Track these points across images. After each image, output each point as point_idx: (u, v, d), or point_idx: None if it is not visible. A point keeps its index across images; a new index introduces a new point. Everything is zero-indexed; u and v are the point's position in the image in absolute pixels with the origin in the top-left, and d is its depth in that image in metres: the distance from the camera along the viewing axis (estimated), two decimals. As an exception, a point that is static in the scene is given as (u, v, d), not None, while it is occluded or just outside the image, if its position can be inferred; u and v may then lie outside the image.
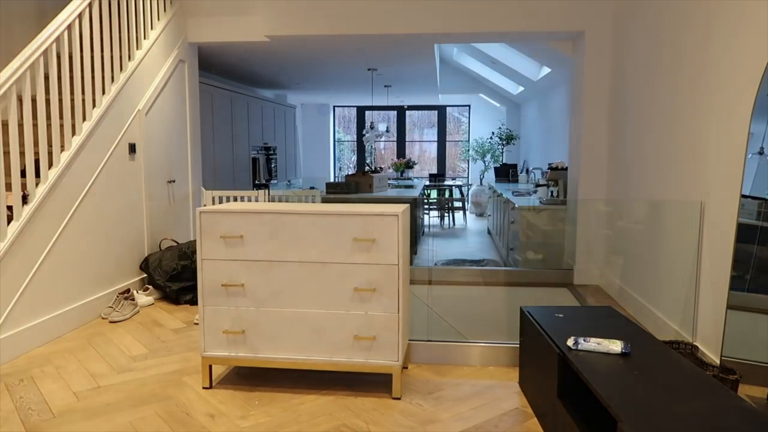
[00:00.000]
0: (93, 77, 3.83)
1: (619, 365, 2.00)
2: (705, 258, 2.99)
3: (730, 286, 2.66)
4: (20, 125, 3.28)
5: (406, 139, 13.27)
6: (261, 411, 2.47)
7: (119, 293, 3.92)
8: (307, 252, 2.58)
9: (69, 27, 3.59)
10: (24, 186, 3.24)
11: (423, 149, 13.42)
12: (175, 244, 4.59)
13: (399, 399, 2.58)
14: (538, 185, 6.41)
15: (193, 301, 4.12)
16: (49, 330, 3.33)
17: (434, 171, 12.35)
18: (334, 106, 13.36)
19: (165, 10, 4.79)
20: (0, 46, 4.56)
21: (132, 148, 4.25)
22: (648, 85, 3.80)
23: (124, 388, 2.71)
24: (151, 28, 4.59)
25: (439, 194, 9.98)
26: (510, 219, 5.90)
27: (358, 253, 2.55)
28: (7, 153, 3.78)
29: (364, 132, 11.37)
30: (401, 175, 9.87)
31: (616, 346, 2.10)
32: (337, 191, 6.34)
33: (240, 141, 8.10)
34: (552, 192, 5.59)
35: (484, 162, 11.77)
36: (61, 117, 3.55)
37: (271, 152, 9.39)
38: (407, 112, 13.19)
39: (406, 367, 2.93)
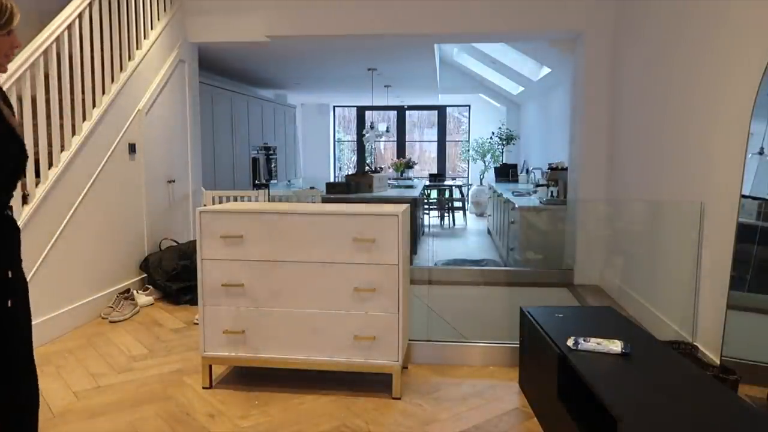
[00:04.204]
0: (93, 77, 3.83)
1: (619, 365, 2.00)
2: (705, 258, 2.98)
3: (730, 286, 2.65)
4: (20, 125, 3.27)
5: (406, 139, 13.27)
6: (261, 411, 2.47)
7: (119, 293, 3.92)
8: (307, 252, 2.58)
9: (69, 27, 3.58)
10: (24, 186, 3.24)
11: (423, 149, 13.42)
12: (175, 244, 4.59)
13: (399, 399, 2.58)
14: (538, 185, 6.41)
15: (193, 301, 4.12)
16: (49, 330, 3.33)
17: (434, 171, 12.34)
18: (334, 106, 13.36)
19: (165, 10, 4.79)
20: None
21: (132, 148, 4.25)
22: (648, 85, 3.80)
23: (124, 388, 2.71)
24: (151, 28, 4.59)
25: (439, 194, 9.98)
26: (510, 219, 5.90)
27: (358, 253, 2.55)
28: (7, 153, 3.77)
29: (364, 132, 11.37)
30: (401, 175, 9.86)
31: (616, 346, 2.10)
32: (337, 191, 6.34)
33: (240, 141, 8.10)
34: (552, 192, 5.58)
35: (484, 162, 11.77)
36: (61, 117, 3.54)
37: (271, 152, 9.38)
38: (407, 112, 13.19)
39: (406, 367, 2.93)
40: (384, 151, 13.58)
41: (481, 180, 11.66)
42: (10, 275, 1.60)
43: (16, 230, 1.65)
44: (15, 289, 1.62)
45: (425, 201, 9.39)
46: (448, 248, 7.39)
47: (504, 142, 11.25)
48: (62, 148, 3.54)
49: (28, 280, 1.72)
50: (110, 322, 3.71)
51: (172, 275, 4.19)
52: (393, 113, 13.18)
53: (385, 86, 9.73)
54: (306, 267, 2.59)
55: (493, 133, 11.63)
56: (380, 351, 2.58)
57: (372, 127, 10.63)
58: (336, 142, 13.51)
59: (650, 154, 3.73)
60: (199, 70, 5.61)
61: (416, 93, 10.96)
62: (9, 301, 1.59)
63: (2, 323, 1.59)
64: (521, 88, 9.47)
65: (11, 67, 3.09)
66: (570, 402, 2.05)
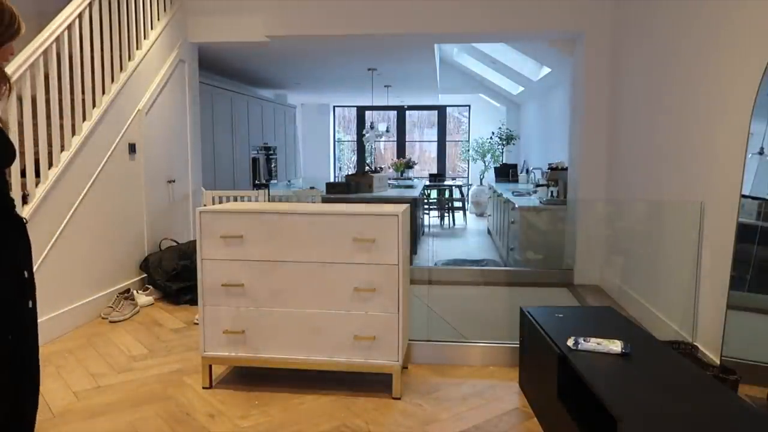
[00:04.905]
0: (93, 77, 3.83)
1: (619, 365, 2.00)
2: (705, 258, 2.98)
3: (730, 286, 2.65)
4: (20, 125, 3.28)
5: (406, 139, 13.26)
6: (261, 411, 2.47)
7: (119, 293, 3.92)
8: (307, 252, 2.58)
9: (69, 27, 3.59)
10: (24, 186, 3.24)
11: (423, 149, 13.42)
12: (175, 244, 4.59)
13: (399, 399, 2.58)
14: (538, 185, 6.41)
15: (193, 301, 4.12)
16: (49, 330, 3.33)
17: (434, 171, 12.34)
18: (334, 106, 13.36)
19: (165, 10, 4.79)
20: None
21: (132, 148, 4.25)
22: (648, 86, 3.80)
23: (124, 388, 2.71)
24: (151, 28, 4.59)
25: (439, 194, 9.98)
26: (510, 219, 5.90)
27: (358, 253, 2.55)
28: (7, 153, 3.77)
29: (364, 132, 11.37)
30: (401, 175, 9.86)
31: (616, 346, 2.10)
32: (337, 191, 6.34)
33: (240, 141, 8.10)
34: (552, 192, 5.58)
35: (484, 162, 11.76)
36: (61, 117, 3.54)
37: (271, 152, 9.38)
38: (407, 112, 13.19)
39: (406, 367, 2.93)
40: (384, 151, 13.58)
41: (481, 180, 11.66)
42: (26, 275, 1.63)
43: (26, 232, 1.68)
44: (32, 290, 1.66)
45: (425, 201, 9.39)
46: (448, 248, 7.39)
47: (504, 142, 11.25)
48: (62, 148, 3.54)
49: None
50: (110, 322, 3.71)
51: (172, 275, 4.19)
52: (393, 113, 13.18)
53: (385, 86, 9.72)
54: (306, 267, 2.59)
55: (493, 133, 11.63)
56: (380, 351, 2.58)
57: (372, 127, 10.63)
58: (336, 142, 13.51)
59: (650, 154, 3.73)
60: (199, 70, 5.61)
61: (416, 93, 10.96)
62: (30, 302, 1.62)
63: (23, 323, 1.61)
64: (521, 88, 9.47)
65: (11, 67, 3.09)
66: (570, 402, 2.05)
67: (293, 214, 2.58)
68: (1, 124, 1.64)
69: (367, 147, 12.45)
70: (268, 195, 5.56)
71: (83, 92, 3.76)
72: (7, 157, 1.63)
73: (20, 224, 1.65)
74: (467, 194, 11.28)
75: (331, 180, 12.48)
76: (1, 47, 1.58)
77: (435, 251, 7.27)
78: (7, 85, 1.64)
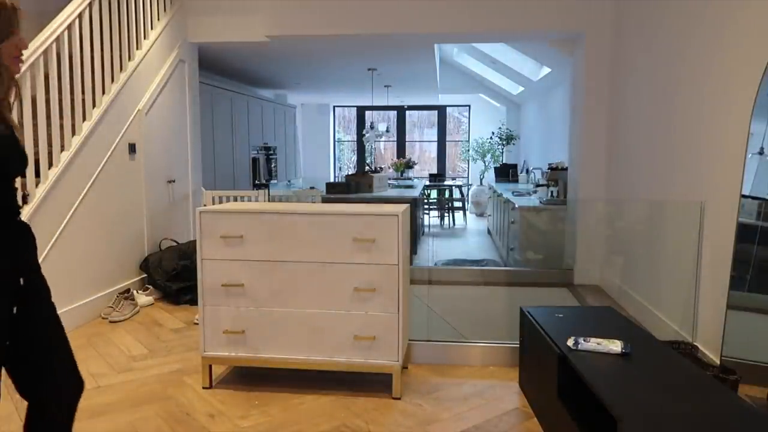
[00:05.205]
0: (93, 77, 3.83)
1: (619, 365, 2.00)
2: (705, 258, 2.98)
3: (730, 286, 2.65)
4: (20, 125, 3.28)
5: (406, 139, 13.26)
6: (261, 411, 2.47)
7: (119, 293, 3.92)
8: (307, 252, 2.58)
9: (69, 27, 3.59)
10: (24, 186, 3.24)
11: (423, 149, 13.41)
12: (175, 244, 4.59)
13: (399, 399, 2.58)
14: (538, 185, 6.40)
15: (193, 301, 4.11)
16: (49, 330, 3.32)
17: (434, 171, 12.33)
18: (334, 106, 13.35)
19: (165, 10, 4.79)
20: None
21: (132, 148, 4.25)
22: (648, 86, 3.80)
23: (124, 388, 2.71)
24: (151, 28, 4.59)
25: (439, 194, 9.97)
26: (510, 219, 5.90)
27: (358, 253, 2.55)
28: (7, 153, 3.77)
29: (364, 132, 11.37)
30: (401, 175, 9.86)
31: (616, 346, 2.10)
32: (337, 191, 6.33)
33: (240, 141, 8.10)
34: (552, 192, 5.58)
35: (484, 162, 11.76)
36: (61, 117, 3.54)
37: (271, 152, 9.38)
38: (407, 112, 13.18)
39: (406, 367, 2.93)
40: (384, 151, 13.58)
41: (481, 180, 11.66)
42: (22, 282, 1.59)
43: (31, 237, 1.63)
44: (26, 297, 1.60)
45: (425, 201, 9.39)
46: (448, 248, 7.39)
47: (504, 142, 11.25)
48: (62, 148, 3.54)
49: None
50: (110, 322, 3.71)
51: (172, 275, 4.19)
52: (393, 113, 13.18)
53: (385, 86, 9.72)
54: (306, 267, 2.59)
55: (493, 133, 11.63)
56: (380, 351, 2.58)
57: (372, 127, 10.63)
58: (336, 142, 13.50)
59: (650, 154, 3.73)
60: (199, 70, 5.61)
61: (416, 93, 10.95)
62: (15, 309, 1.56)
63: (16, 330, 1.57)
64: (521, 88, 9.47)
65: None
66: (570, 402, 2.05)
67: (293, 214, 2.58)
68: (16, 130, 1.59)
69: (367, 147, 12.45)
70: (268, 195, 5.56)
71: (83, 92, 3.76)
72: (20, 165, 1.60)
73: (24, 229, 1.61)
74: (467, 194, 11.27)
75: (331, 180, 12.47)
76: (1, 43, 1.41)
77: (435, 251, 7.27)
78: (15, 89, 1.57)
